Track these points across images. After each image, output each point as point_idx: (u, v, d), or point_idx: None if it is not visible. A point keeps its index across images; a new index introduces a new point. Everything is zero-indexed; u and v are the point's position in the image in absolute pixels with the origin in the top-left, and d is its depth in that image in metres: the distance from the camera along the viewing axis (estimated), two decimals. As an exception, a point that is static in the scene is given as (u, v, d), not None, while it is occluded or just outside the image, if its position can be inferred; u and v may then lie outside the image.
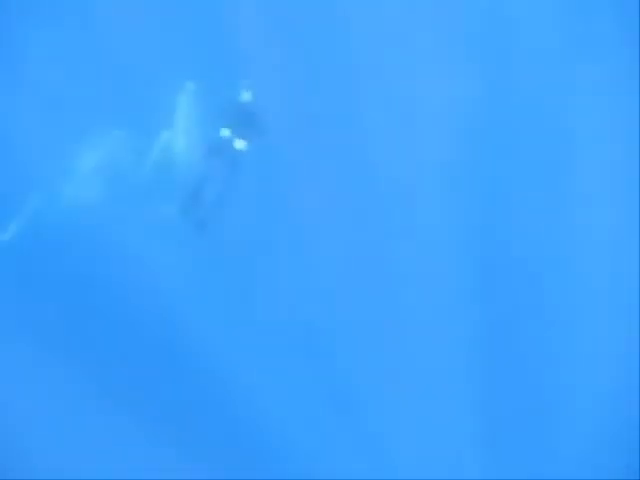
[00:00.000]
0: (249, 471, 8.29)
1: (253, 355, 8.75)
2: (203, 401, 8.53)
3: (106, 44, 9.37)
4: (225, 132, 8.68)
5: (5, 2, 9.38)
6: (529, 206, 9.87)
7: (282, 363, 8.78)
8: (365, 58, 9.95)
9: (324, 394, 8.87)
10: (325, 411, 8.79)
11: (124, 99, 9.17)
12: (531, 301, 9.57)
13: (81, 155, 8.97)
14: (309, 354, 8.97)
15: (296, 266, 9.28)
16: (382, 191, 9.73)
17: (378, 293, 9.31)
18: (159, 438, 8.03)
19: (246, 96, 8.93)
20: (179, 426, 8.31)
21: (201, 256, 8.86)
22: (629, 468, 8.59)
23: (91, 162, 8.97)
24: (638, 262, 9.48)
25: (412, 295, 9.39)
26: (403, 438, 8.77)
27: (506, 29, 10.18)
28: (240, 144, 8.64)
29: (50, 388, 8.03)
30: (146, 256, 8.71)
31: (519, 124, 10.11)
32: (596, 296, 9.45)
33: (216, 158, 8.77)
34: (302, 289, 9.14)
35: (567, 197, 9.84)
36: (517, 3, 10.25)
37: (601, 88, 9.93)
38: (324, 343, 9.09)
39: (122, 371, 8.35)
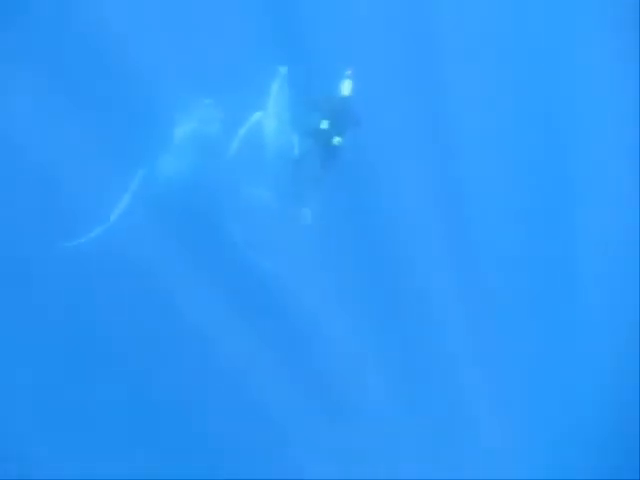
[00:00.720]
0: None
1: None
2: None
3: (205, 21, 9.32)
4: (324, 124, 8.65)
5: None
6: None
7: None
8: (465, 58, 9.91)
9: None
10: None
11: (222, 79, 9.13)
12: (531, 299, 9.74)
13: (177, 129, 8.96)
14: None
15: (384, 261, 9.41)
16: (472, 191, 9.83)
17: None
18: (160, 438, 8.26)
19: (347, 87, 8.85)
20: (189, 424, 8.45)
21: (291, 238, 8.88)
22: (629, 468, 8.83)
23: (184, 136, 8.97)
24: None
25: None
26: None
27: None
28: (337, 140, 8.62)
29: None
30: (234, 235, 8.85)
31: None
32: (598, 296, 9.68)
33: (311, 145, 8.79)
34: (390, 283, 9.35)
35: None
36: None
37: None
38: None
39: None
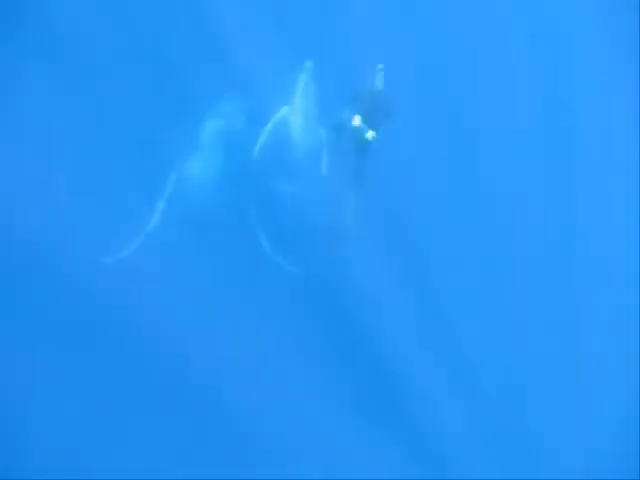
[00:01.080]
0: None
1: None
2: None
3: (232, 17, 9.19)
4: (356, 120, 8.60)
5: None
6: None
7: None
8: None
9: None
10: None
11: (249, 75, 9.05)
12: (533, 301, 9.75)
13: (204, 127, 8.88)
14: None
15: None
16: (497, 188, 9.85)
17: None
18: (164, 436, 8.03)
19: (379, 81, 8.81)
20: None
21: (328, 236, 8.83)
22: (629, 468, 8.82)
23: (212, 133, 8.86)
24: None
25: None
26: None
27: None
28: (371, 134, 8.58)
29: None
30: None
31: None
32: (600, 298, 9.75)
33: (344, 141, 8.73)
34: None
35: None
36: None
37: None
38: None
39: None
